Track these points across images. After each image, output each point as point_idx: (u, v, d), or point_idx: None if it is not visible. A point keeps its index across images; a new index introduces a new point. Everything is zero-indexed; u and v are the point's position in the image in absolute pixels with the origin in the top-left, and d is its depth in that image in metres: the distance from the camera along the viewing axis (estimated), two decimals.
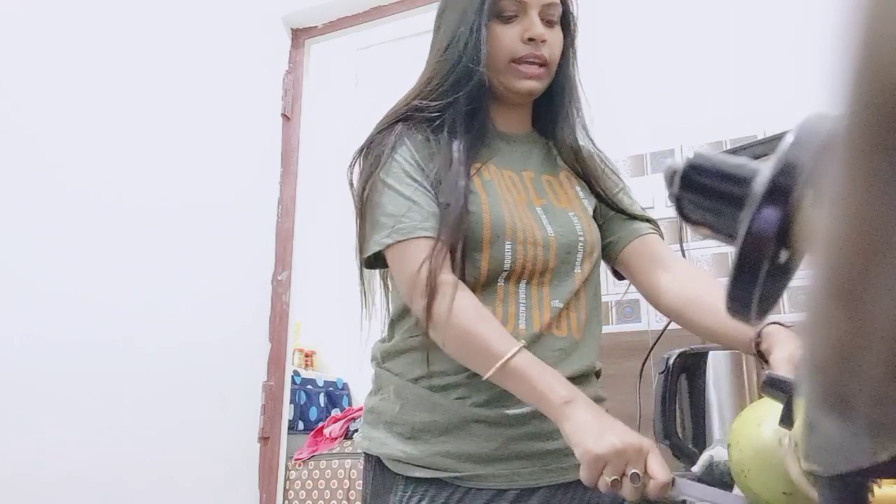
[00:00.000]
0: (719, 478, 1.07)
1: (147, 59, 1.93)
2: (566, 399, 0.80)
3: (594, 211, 1.09)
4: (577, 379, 0.97)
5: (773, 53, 1.76)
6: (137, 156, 1.86)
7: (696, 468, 1.10)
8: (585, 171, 1.10)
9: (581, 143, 1.11)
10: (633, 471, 0.74)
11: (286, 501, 2.84)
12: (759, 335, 0.85)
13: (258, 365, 2.23)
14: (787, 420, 0.49)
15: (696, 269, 1.08)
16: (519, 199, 1.02)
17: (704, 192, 0.37)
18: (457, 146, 1.00)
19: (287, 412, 2.33)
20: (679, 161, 0.38)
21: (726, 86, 1.79)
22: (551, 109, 1.11)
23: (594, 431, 0.76)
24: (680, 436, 1.47)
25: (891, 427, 0.18)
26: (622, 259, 1.07)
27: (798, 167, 0.30)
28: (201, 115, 2.08)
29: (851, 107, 0.15)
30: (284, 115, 2.45)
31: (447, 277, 0.91)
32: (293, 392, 3.08)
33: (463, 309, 0.89)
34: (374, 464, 0.99)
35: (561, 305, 0.98)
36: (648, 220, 1.09)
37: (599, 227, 1.08)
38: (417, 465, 0.94)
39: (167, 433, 1.83)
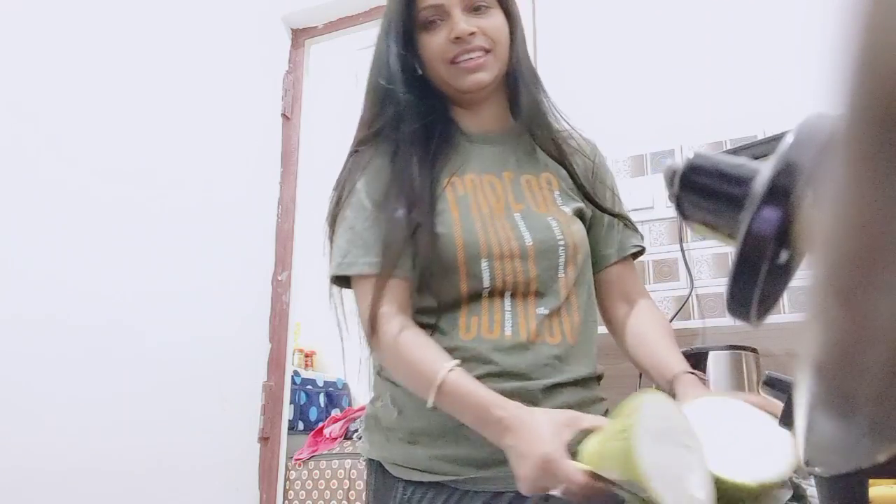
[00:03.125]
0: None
1: (147, 60, 1.92)
2: (501, 424, 0.81)
3: (580, 212, 1.06)
4: (577, 384, 0.97)
5: (773, 53, 1.75)
6: (137, 156, 1.86)
7: None
8: (568, 164, 1.07)
9: (560, 130, 1.08)
10: (555, 490, 0.73)
11: (286, 501, 2.84)
12: (672, 380, 0.92)
13: (258, 365, 2.23)
14: (787, 420, 0.49)
15: (653, 307, 1.08)
16: (497, 207, 1.00)
17: (704, 192, 0.37)
18: (417, 167, 1.00)
19: (287, 412, 2.33)
20: (679, 161, 0.38)
21: (726, 86, 1.79)
22: (519, 97, 1.07)
23: (518, 459, 0.77)
24: None
25: (891, 427, 0.18)
26: (598, 278, 1.09)
27: (798, 167, 0.30)
28: (201, 115, 2.08)
29: (851, 107, 0.15)
30: (284, 115, 2.45)
31: (386, 313, 0.93)
32: (293, 392, 3.08)
33: (403, 342, 0.91)
34: (376, 468, 1.01)
35: (546, 312, 0.97)
36: (627, 225, 1.10)
37: (588, 229, 1.07)
38: (416, 469, 0.95)
39: (167, 433, 1.83)
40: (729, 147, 1.74)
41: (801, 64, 1.65)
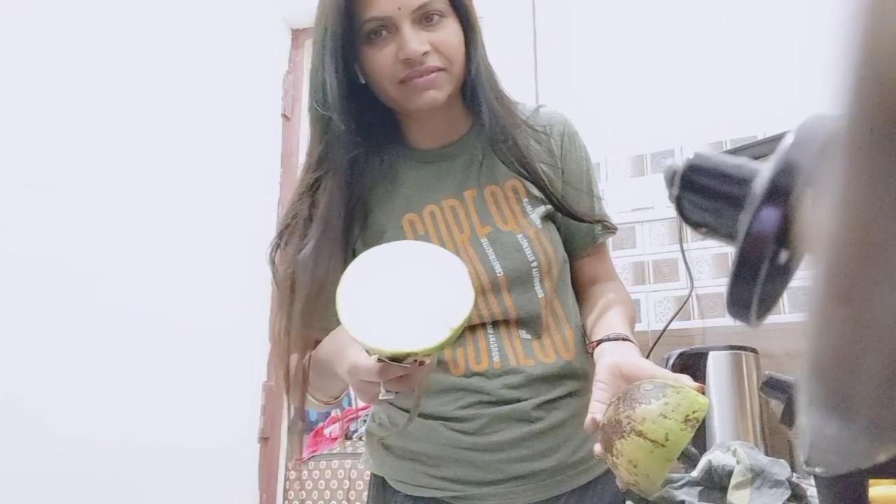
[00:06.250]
0: (718, 482, 1.07)
1: (147, 60, 1.92)
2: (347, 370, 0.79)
3: (551, 214, 0.99)
4: (573, 395, 0.97)
5: (773, 54, 1.76)
6: (136, 156, 1.86)
7: (695, 472, 1.10)
8: (533, 176, 0.97)
9: (520, 142, 0.96)
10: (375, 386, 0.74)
11: (286, 501, 2.84)
12: (594, 345, 0.88)
13: (258, 365, 2.23)
14: (787, 420, 0.49)
15: (619, 289, 1.03)
16: (461, 239, 0.95)
17: (704, 192, 0.37)
18: (375, 211, 0.96)
19: (287, 412, 2.33)
20: (679, 161, 0.38)
21: (726, 86, 1.79)
22: (480, 111, 0.97)
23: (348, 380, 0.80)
24: None
25: (891, 428, 0.18)
26: (573, 266, 1.04)
27: (798, 167, 0.29)
28: (201, 115, 2.08)
29: (852, 107, 0.15)
30: (284, 116, 2.45)
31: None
32: None
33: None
34: (379, 481, 1.03)
35: (530, 337, 0.94)
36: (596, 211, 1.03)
37: (558, 226, 1.01)
38: (416, 485, 0.96)
39: (167, 433, 1.83)
40: (729, 147, 1.74)
41: (801, 64, 1.66)
